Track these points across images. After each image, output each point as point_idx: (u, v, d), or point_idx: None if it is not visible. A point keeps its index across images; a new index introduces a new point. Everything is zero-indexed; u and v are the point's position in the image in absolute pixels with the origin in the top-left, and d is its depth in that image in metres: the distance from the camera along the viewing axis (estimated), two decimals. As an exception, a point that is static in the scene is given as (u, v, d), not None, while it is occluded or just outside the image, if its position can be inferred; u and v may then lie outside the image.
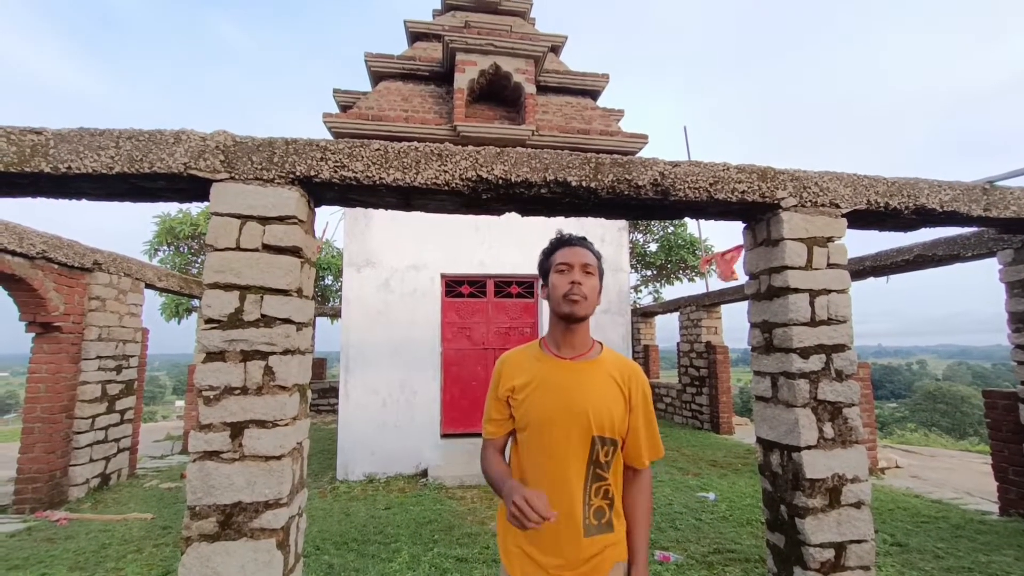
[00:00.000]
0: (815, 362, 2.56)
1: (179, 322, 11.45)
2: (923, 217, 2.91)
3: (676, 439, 8.14)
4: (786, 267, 2.61)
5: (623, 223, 6.70)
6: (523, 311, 6.64)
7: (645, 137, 6.66)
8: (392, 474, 5.83)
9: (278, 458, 2.10)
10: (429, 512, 4.48)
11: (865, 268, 5.48)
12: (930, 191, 2.82)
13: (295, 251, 2.25)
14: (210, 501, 2.04)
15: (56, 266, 4.78)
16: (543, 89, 6.98)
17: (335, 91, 7.11)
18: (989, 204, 2.91)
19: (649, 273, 14.16)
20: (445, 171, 2.38)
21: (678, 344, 10.27)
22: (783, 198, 2.64)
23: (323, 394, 12.11)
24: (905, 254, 5.01)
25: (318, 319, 12.53)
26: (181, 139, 2.23)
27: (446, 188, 2.40)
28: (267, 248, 2.22)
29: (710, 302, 9.26)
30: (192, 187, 2.33)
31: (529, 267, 6.39)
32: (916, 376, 67.83)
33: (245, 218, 2.22)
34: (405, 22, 7.41)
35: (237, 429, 2.09)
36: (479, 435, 7.06)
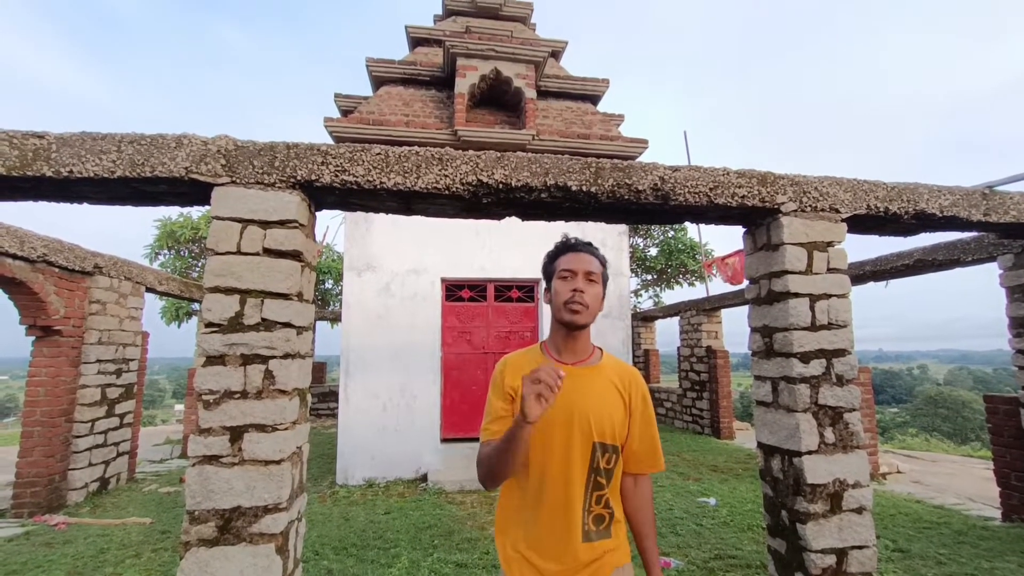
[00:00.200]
0: (816, 367, 2.56)
1: (179, 326, 11.46)
2: (923, 222, 2.91)
3: (677, 444, 8.12)
4: (786, 271, 2.61)
5: (623, 227, 6.71)
6: (523, 315, 6.64)
7: (645, 142, 6.67)
8: (392, 479, 5.81)
9: (278, 462, 2.10)
10: (429, 517, 4.46)
11: (865, 273, 5.48)
12: (930, 196, 2.82)
13: (296, 255, 2.26)
14: (209, 506, 2.03)
15: (57, 270, 4.78)
16: (543, 94, 7.00)
17: (336, 95, 7.14)
18: (989, 209, 2.92)
19: (649, 277, 14.17)
20: (446, 175, 2.39)
21: (678, 348, 10.26)
22: (783, 203, 2.65)
23: (323, 398, 12.09)
24: (905, 259, 5.01)
25: (318, 323, 12.53)
26: (183, 143, 2.23)
27: (447, 192, 2.40)
28: (268, 252, 2.22)
29: (710, 306, 9.25)
30: (193, 191, 2.34)
31: (529, 271, 6.40)
32: (917, 381, 67.69)
33: (246, 222, 2.22)
34: (406, 27, 7.45)
35: (237, 433, 2.09)
36: (479, 440, 7.05)
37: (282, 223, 2.24)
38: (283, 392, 2.15)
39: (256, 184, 2.25)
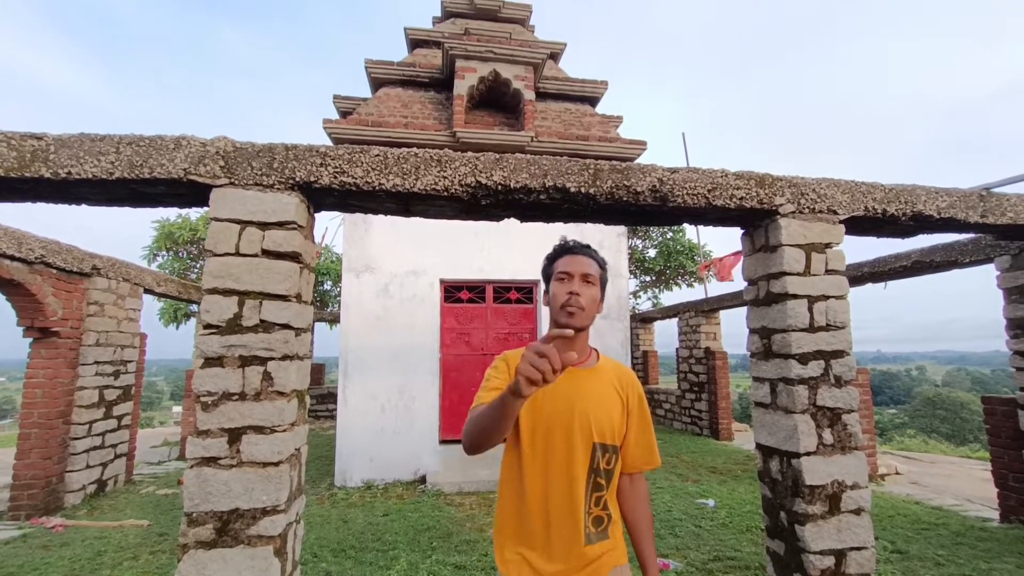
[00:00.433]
0: (814, 368, 2.56)
1: (177, 327, 11.44)
2: (921, 223, 2.92)
3: (675, 445, 8.12)
4: (784, 273, 2.61)
5: (622, 229, 6.72)
6: (522, 317, 6.64)
7: (644, 143, 6.69)
8: (390, 480, 5.80)
9: (276, 464, 2.09)
10: (427, 519, 4.45)
11: (863, 274, 5.49)
12: (927, 198, 2.83)
13: (294, 256, 2.25)
14: (207, 508, 2.03)
15: (55, 271, 4.77)
16: (542, 96, 7.01)
17: (335, 97, 7.14)
18: (986, 211, 2.93)
19: (648, 279, 14.18)
20: (444, 177, 2.39)
21: (677, 350, 10.26)
22: (781, 204, 2.65)
23: (321, 400, 12.07)
24: (903, 260, 5.03)
25: (317, 324, 12.52)
26: (181, 145, 2.23)
27: (445, 194, 2.41)
28: (266, 253, 2.22)
29: (709, 308, 9.26)
30: (192, 192, 2.34)
31: (528, 273, 6.40)
32: (915, 382, 67.79)
33: (244, 223, 2.22)
34: (405, 29, 7.46)
35: (235, 435, 2.09)
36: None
37: (281, 224, 2.24)
38: (281, 394, 2.15)
39: (255, 186, 2.25)
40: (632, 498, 1.39)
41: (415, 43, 7.46)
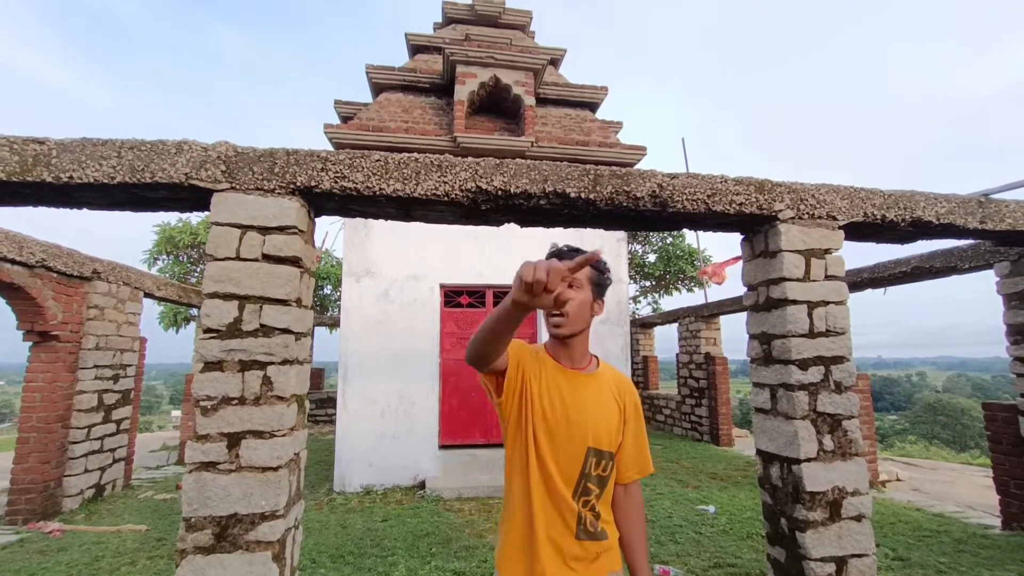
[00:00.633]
0: (814, 374, 2.56)
1: (177, 331, 11.43)
2: (920, 229, 2.93)
3: (675, 451, 8.10)
4: (784, 279, 2.62)
5: (622, 234, 6.73)
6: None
7: (643, 149, 6.71)
8: (390, 485, 5.78)
9: (275, 469, 2.09)
10: (427, 524, 4.44)
11: (863, 280, 5.50)
12: (926, 204, 2.84)
13: (295, 261, 2.26)
14: (206, 513, 2.02)
15: (55, 275, 4.78)
16: (542, 101, 7.04)
17: (336, 102, 7.17)
18: (985, 217, 2.93)
19: (648, 284, 14.18)
20: (445, 182, 2.40)
21: (677, 355, 10.25)
22: (780, 210, 2.66)
23: (321, 404, 12.04)
24: (903, 266, 5.03)
25: (317, 329, 12.51)
26: (183, 149, 2.24)
27: (446, 199, 2.41)
28: (267, 258, 2.22)
29: (709, 313, 9.26)
30: (193, 197, 2.34)
31: (528, 277, 6.40)
32: (916, 388, 67.66)
33: (245, 228, 2.23)
34: (406, 35, 7.50)
35: (234, 440, 2.08)
36: (477, 446, 6.95)
37: (281, 229, 2.25)
38: (281, 398, 2.15)
39: (256, 190, 2.26)
40: (626, 508, 1.39)
41: (416, 49, 7.50)
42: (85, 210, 2.51)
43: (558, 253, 1.39)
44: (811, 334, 2.59)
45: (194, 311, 10.89)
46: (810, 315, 2.61)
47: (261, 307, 2.18)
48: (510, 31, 7.83)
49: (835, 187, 2.77)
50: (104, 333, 5.34)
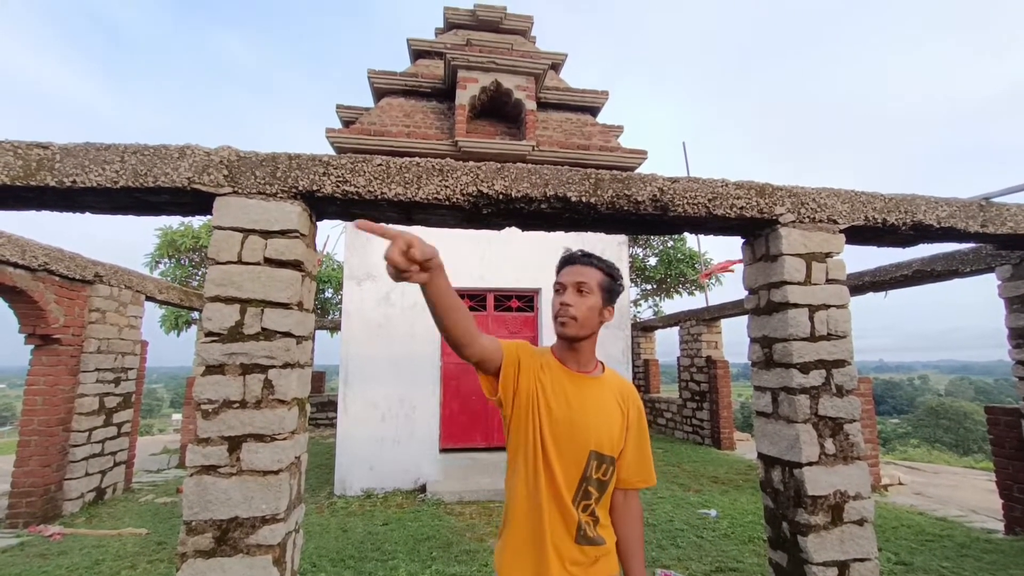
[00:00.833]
0: (815, 377, 2.56)
1: (178, 335, 11.44)
2: (921, 233, 2.93)
3: (677, 455, 8.08)
4: (785, 282, 2.62)
5: (623, 238, 6.73)
6: (523, 325, 6.63)
7: (644, 153, 6.72)
8: (390, 489, 5.77)
9: (276, 473, 2.09)
10: (427, 528, 4.43)
11: (864, 283, 5.49)
12: (927, 207, 2.84)
13: (296, 265, 2.27)
14: (206, 516, 2.02)
15: (57, 278, 4.79)
16: (543, 105, 7.07)
17: (338, 107, 7.20)
18: (986, 220, 2.93)
19: (649, 287, 14.18)
20: (446, 186, 2.41)
21: (678, 359, 10.24)
22: (781, 214, 2.66)
23: (321, 408, 12.03)
24: (904, 269, 5.03)
25: (318, 332, 12.51)
26: (186, 154, 2.25)
27: (447, 203, 2.42)
28: (269, 262, 2.23)
29: (710, 316, 9.25)
30: (195, 201, 2.35)
31: (529, 281, 6.40)
32: (918, 391, 67.43)
33: (247, 232, 2.23)
34: (408, 40, 7.54)
35: (235, 443, 2.08)
36: (478, 450, 6.95)
37: (283, 233, 2.26)
38: (282, 402, 2.15)
39: (258, 194, 2.27)
40: (624, 515, 1.38)
41: (417, 54, 7.54)
42: (88, 214, 2.53)
43: (567, 257, 1.41)
44: (812, 338, 2.59)
45: (195, 314, 10.91)
46: (811, 319, 2.61)
47: (263, 311, 2.19)
48: (511, 36, 7.87)
49: (836, 191, 2.77)
50: (106, 336, 5.35)
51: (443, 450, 6.14)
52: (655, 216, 2.62)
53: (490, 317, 6.57)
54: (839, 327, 2.63)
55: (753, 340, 2.90)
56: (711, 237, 4.04)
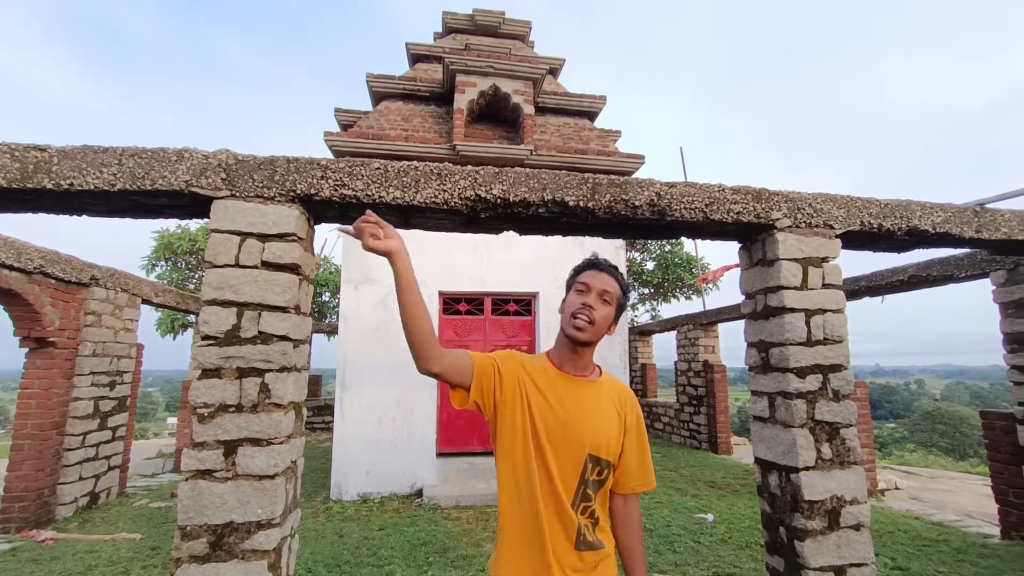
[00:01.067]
0: (812, 382, 2.56)
1: (174, 338, 11.38)
2: (916, 238, 2.95)
3: (674, 459, 8.07)
4: (781, 287, 2.63)
5: (620, 242, 6.74)
6: (520, 329, 6.63)
7: (642, 157, 6.75)
8: (387, 494, 5.74)
9: (272, 477, 2.08)
10: (424, 533, 4.41)
11: (860, 288, 5.52)
12: (922, 213, 2.86)
13: (294, 268, 2.26)
14: (201, 521, 2.00)
15: (53, 281, 4.77)
16: (541, 110, 7.09)
17: (336, 110, 7.21)
18: (980, 226, 2.95)
19: (646, 291, 14.20)
20: (444, 190, 2.41)
21: (676, 363, 10.24)
22: (778, 219, 2.68)
23: (318, 412, 11.98)
24: (900, 274, 5.05)
25: (315, 336, 12.47)
26: (184, 157, 2.25)
27: (445, 207, 2.42)
28: (266, 265, 2.23)
29: (707, 321, 9.27)
30: (193, 204, 2.35)
31: (526, 285, 6.41)
32: (915, 396, 67.60)
33: (245, 235, 2.23)
34: (407, 44, 7.56)
35: (231, 447, 2.07)
36: (475, 454, 6.93)
37: (281, 236, 2.26)
38: (279, 406, 2.14)
39: (256, 198, 2.26)
40: (624, 519, 1.39)
41: (416, 58, 7.56)
42: (85, 217, 2.52)
43: (593, 262, 1.42)
44: (809, 342, 2.60)
45: (192, 318, 10.86)
46: (808, 323, 2.62)
47: (260, 314, 2.18)
48: (510, 41, 7.90)
49: (832, 196, 2.79)
50: (101, 339, 5.32)
51: (440, 454, 6.12)
52: (652, 220, 2.63)
53: (487, 321, 6.56)
54: (835, 331, 2.64)
55: (750, 344, 2.90)
56: (708, 242, 4.05)
